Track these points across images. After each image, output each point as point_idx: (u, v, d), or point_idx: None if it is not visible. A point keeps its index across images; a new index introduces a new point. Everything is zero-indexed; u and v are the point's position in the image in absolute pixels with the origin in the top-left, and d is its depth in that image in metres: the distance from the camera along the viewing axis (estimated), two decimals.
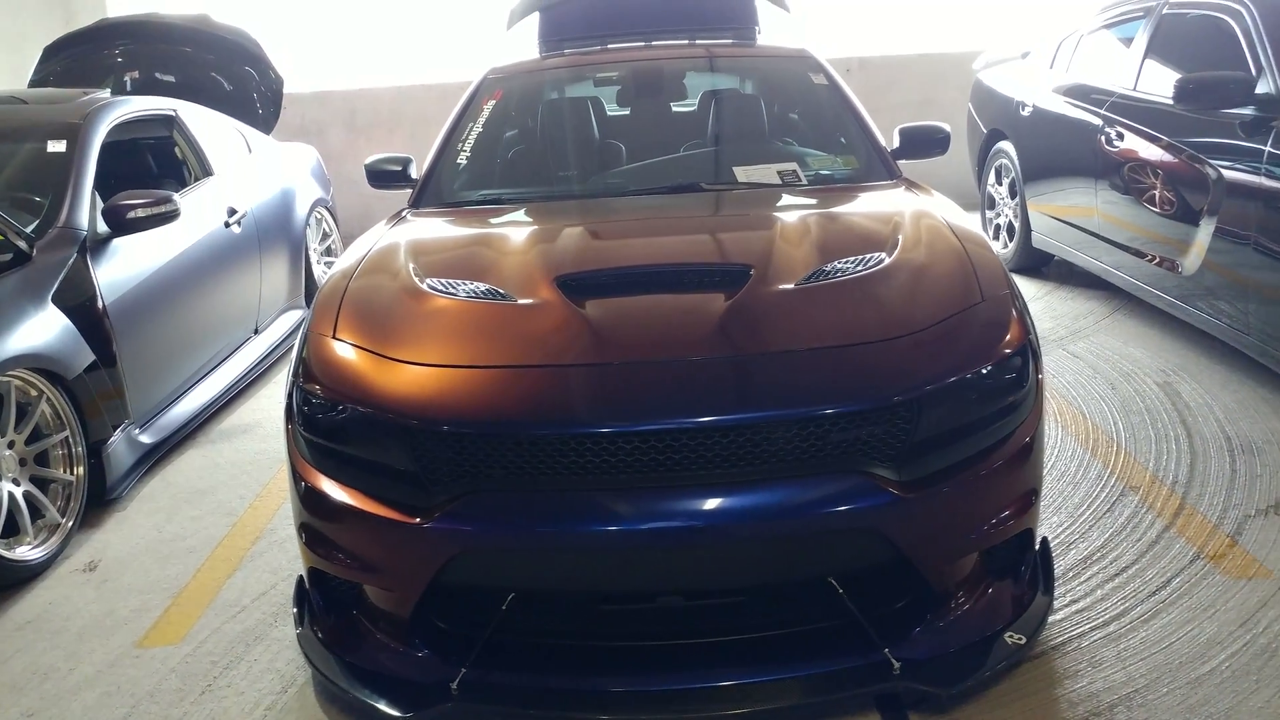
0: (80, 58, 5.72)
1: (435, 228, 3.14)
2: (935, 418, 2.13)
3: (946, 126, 3.63)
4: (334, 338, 2.39)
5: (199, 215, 4.33)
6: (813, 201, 3.13)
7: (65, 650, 2.66)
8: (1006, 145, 5.83)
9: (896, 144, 3.56)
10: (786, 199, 3.12)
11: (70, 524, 3.20)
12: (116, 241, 3.69)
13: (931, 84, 7.61)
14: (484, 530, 2.08)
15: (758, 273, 2.42)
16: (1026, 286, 5.59)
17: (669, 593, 2.19)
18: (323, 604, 2.37)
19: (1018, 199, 5.72)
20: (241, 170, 4.95)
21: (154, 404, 3.78)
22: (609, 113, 4.00)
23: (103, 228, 3.64)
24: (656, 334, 2.29)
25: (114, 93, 4.75)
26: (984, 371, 2.19)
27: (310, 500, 2.26)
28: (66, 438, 3.23)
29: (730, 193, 3.27)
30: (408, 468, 2.13)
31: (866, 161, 3.45)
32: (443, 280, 2.55)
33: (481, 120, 3.69)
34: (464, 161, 3.56)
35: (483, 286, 2.49)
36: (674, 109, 3.92)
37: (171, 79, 5.65)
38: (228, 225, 4.49)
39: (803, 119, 3.83)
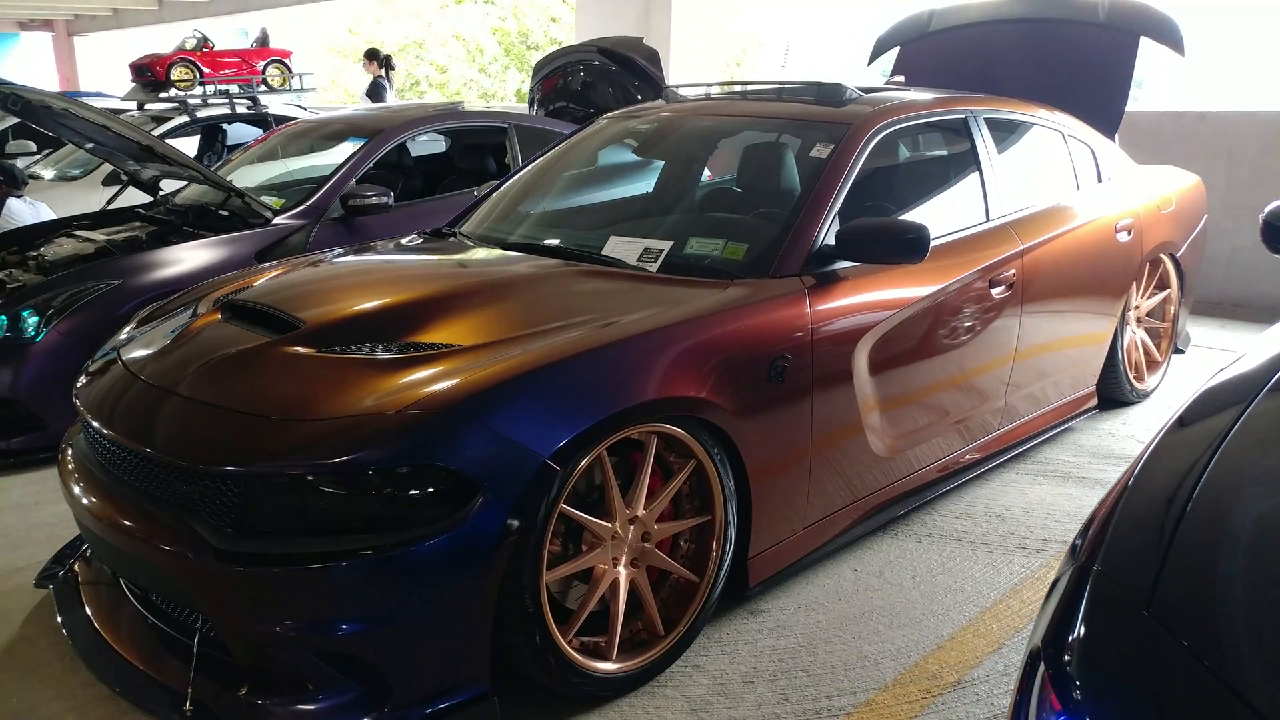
0: (555, 74, 7.23)
1: (371, 247, 3.66)
2: (279, 502, 2.18)
3: (924, 227, 2.88)
4: (127, 328, 3.17)
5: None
6: (585, 286, 2.91)
7: None
8: None
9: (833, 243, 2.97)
10: (572, 280, 2.94)
11: None
12: (356, 221, 5.03)
13: None
14: (60, 477, 2.78)
15: (306, 329, 2.59)
16: None
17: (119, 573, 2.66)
18: None
19: None
20: None
21: None
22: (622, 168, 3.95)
23: (339, 211, 5.01)
24: (169, 355, 2.65)
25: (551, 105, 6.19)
26: (336, 474, 2.14)
27: None
28: None
29: (550, 262, 3.13)
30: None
31: (761, 255, 2.98)
32: (227, 287, 3.16)
33: (544, 159, 3.99)
34: (494, 196, 3.93)
35: (223, 299, 3.00)
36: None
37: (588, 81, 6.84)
38: None
39: (766, 198, 3.33)
